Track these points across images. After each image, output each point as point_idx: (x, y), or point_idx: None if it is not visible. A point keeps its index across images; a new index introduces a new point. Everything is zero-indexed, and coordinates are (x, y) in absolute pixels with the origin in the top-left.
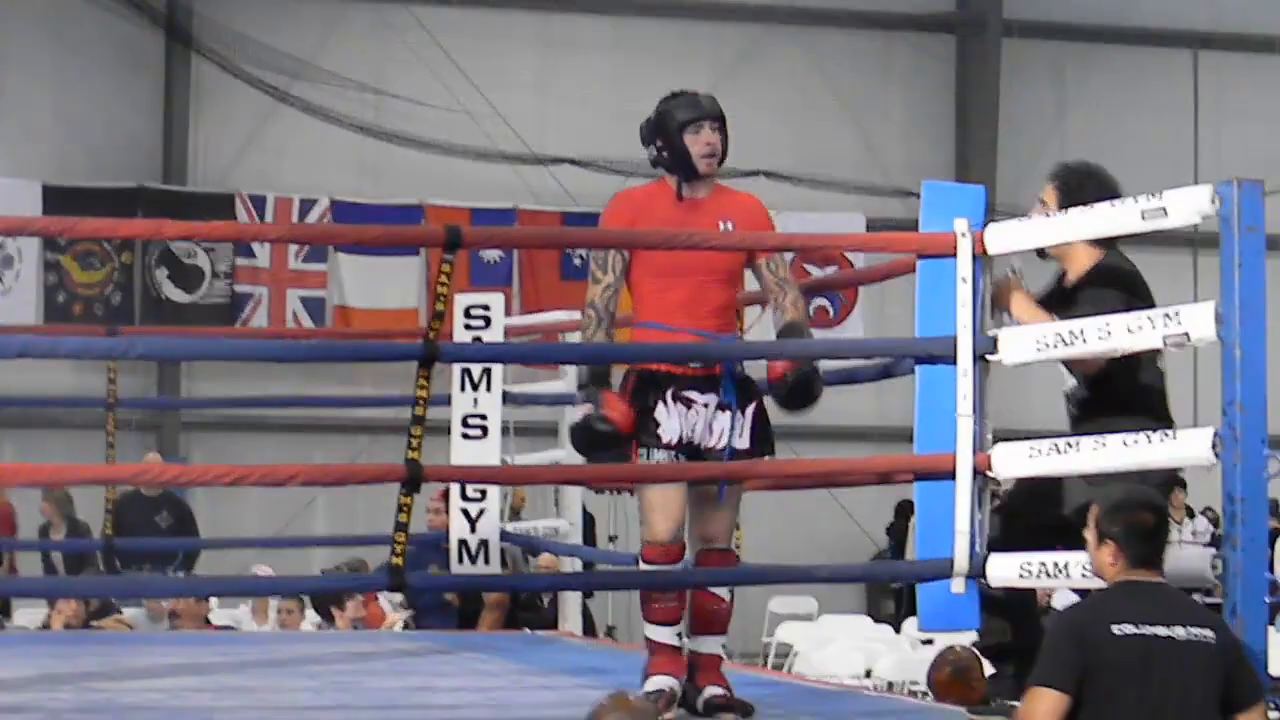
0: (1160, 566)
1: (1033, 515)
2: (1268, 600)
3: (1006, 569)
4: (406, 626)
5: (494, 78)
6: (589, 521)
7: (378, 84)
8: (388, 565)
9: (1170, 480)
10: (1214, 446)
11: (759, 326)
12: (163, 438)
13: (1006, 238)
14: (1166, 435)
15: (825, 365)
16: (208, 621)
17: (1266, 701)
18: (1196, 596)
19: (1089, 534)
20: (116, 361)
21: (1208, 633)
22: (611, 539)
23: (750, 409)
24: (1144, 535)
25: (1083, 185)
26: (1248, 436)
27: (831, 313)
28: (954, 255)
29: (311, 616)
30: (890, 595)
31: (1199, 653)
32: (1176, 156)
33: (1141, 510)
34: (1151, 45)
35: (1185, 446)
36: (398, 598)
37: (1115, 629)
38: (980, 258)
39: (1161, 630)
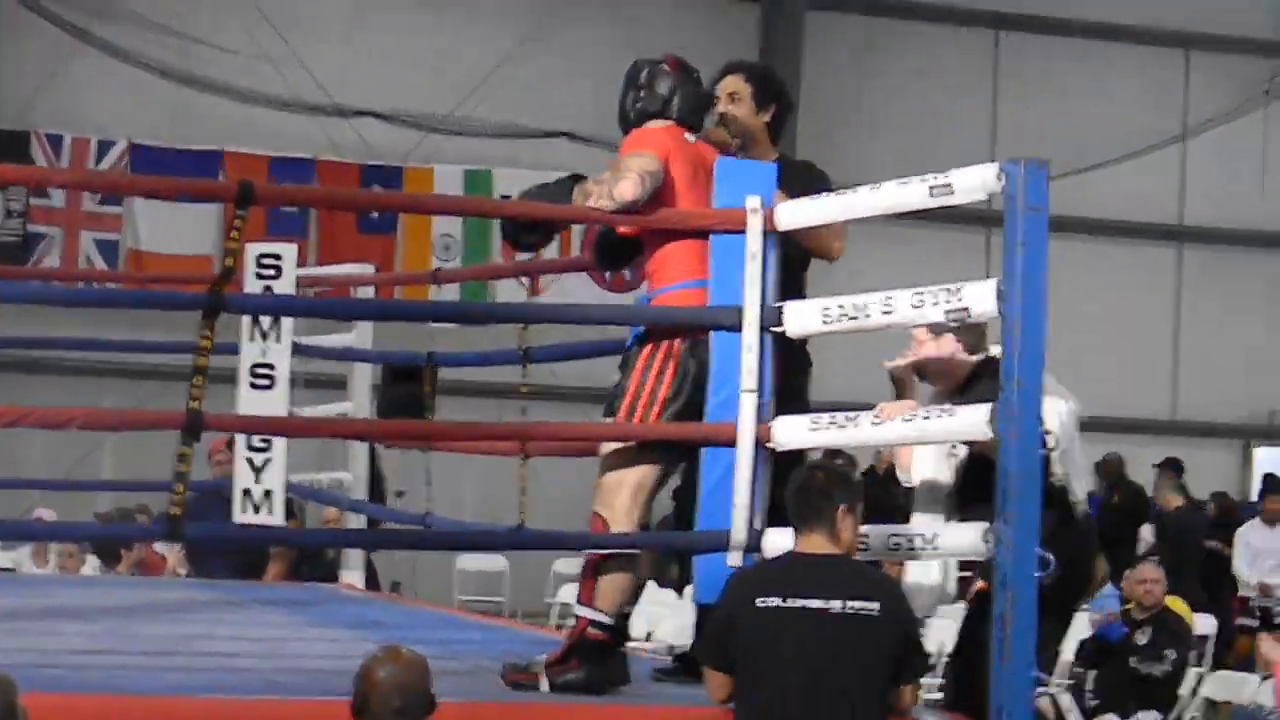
0: (830, 534)
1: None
2: (1037, 575)
3: (783, 542)
4: (188, 574)
5: (298, 26)
6: (377, 477)
7: (181, 27)
8: (165, 515)
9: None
10: (990, 421)
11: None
12: None
13: (796, 215)
14: (945, 411)
15: (615, 331)
16: None
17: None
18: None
19: None
20: None
21: (871, 605)
22: (399, 494)
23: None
24: (803, 494)
25: (773, 87)
26: (1024, 413)
27: (627, 277)
28: (744, 231)
29: (93, 561)
30: (675, 559)
31: (856, 624)
32: (975, 135)
33: (810, 471)
34: (954, 24)
35: (962, 422)
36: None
37: (759, 601)
38: (771, 234)
39: (815, 603)
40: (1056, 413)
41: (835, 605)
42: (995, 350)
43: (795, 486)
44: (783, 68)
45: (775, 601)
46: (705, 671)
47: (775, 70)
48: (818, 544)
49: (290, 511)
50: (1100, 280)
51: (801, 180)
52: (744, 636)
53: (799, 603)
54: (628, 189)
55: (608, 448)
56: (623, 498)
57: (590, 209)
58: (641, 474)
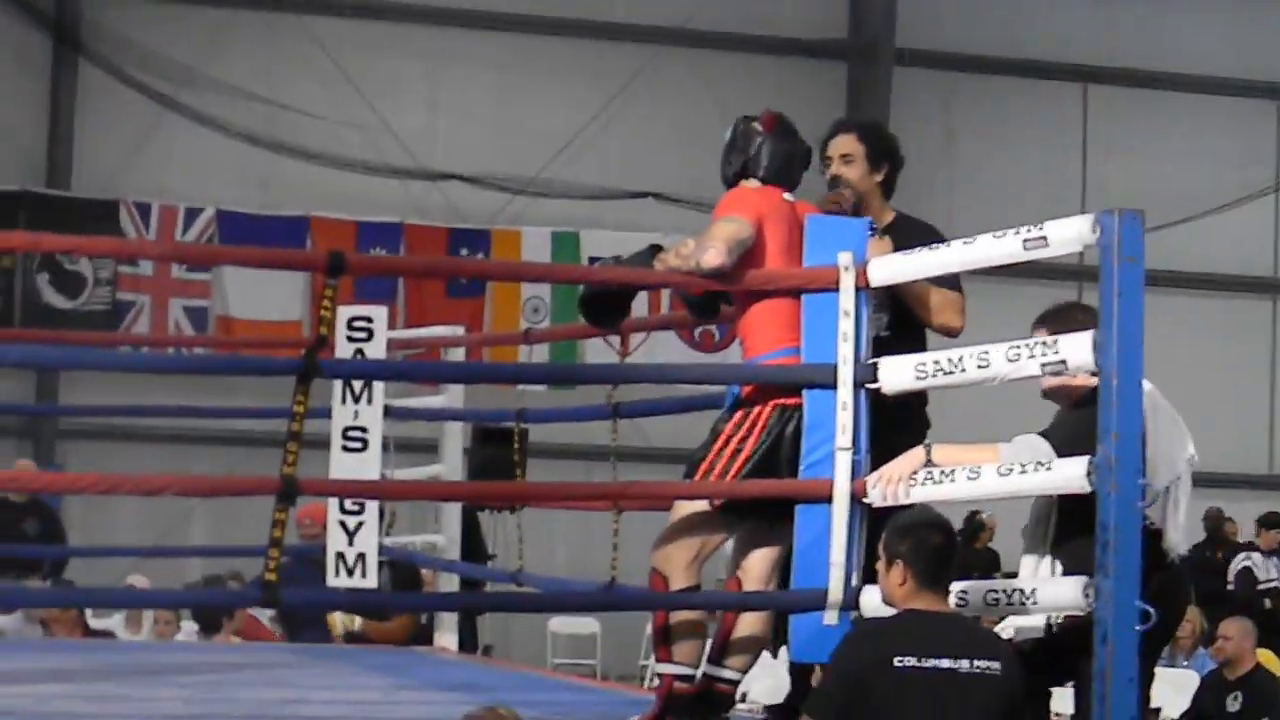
0: (948, 592)
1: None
2: (1138, 629)
3: (880, 600)
4: (280, 638)
5: (384, 91)
6: (475, 538)
7: (267, 94)
8: (260, 580)
9: None
10: (1089, 475)
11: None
12: (39, 446)
13: (889, 270)
14: (1041, 465)
15: (706, 389)
16: (86, 627)
17: None
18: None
19: (880, 562)
20: None
21: (994, 665)
22: (491, 556)
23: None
24: (931, 553)
25: (887, 145)
26: (1122, 465)
27: (717, 337)
28: (837, 289)
29: (189, 627)
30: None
31: (983, 685)
32: (1064, 189)
33: (929, 530)
34: (1041, 77)
35: (1060, 475)
36: (271, 613)
37: (896, 661)
38: (863, 290)
39: (945, 662)
40: (1187, 453)
41: (963, 665)
42: None
43: (927, 545)
44: None
45: (911, 661)
46: None
47: (884, 126)
48: (934, 601)
49: (402, 576)
50: (1194, 334)
51: (921, 241)
52: (877, 696)
53: (931, 663)
54: (713, 258)
55: (679, 506)
56: (683, 556)
57: (673, 275)
58: (704, 535)
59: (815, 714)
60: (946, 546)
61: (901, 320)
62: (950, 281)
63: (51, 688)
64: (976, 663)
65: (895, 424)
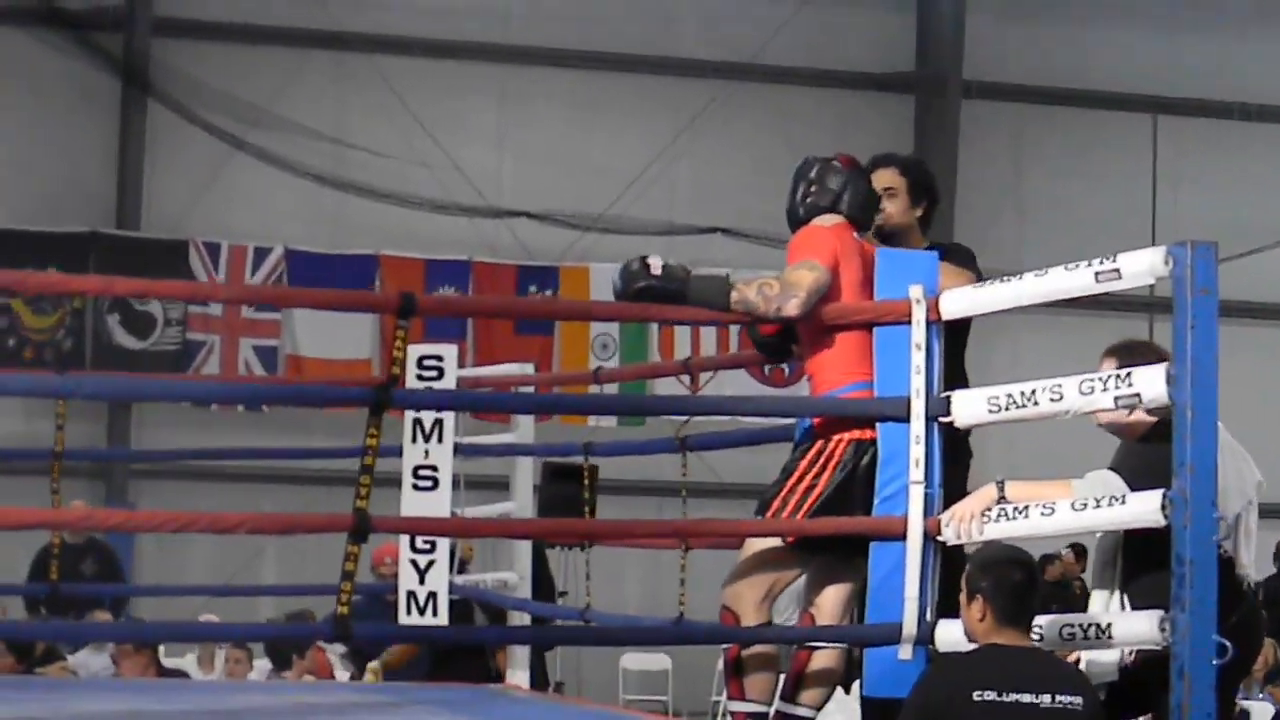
0: (1029, 627)
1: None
2: (1215, 663)
3: (955, 635)
4: (353, 678)
5: (451, 129)
6: (545, 577)
7: (335, 133)
8: (333, 615)
9: None
10: (1164, 508)
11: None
12: (111, 484)
13: (961, 303)
14: (1115, 499)
15: (774, 423)
16: (159, 666)
17: None
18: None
19: (962, 595)
20: (65, 406)
21: (1076, 700)
22: (562, 594)
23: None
24: (1012, 591)
25: (927, 181)
26: (1197, 498)
27: (787, 372)
28: (909, 322)
29: (261, 665)
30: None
31: (1063, 719)
32: (1134, 221)
33: (1010, 567)
34: (1110, 109)
35: (1134, 509)
36: (341, 649)
37: (976, 696)
38: (934, 324)
39: (1026, 698)
40: (1255, 479)
41: (1045, 700)
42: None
43: (1007, 583)
44: (938, 157)
45: (991, 696)
46: None
47: (926, 163)
48: (1015, 637)
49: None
50: (1267, 365)
51: (955, 260)
52: None
53: (1013, 697)
54: (794, 308)
55: (750, 542)
56: (754, 592)
57: (743, 315)
58: (776, 571)
59: None
60: (1028, 583)
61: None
62: (967, 262)
63: None
64: (1058, 698)
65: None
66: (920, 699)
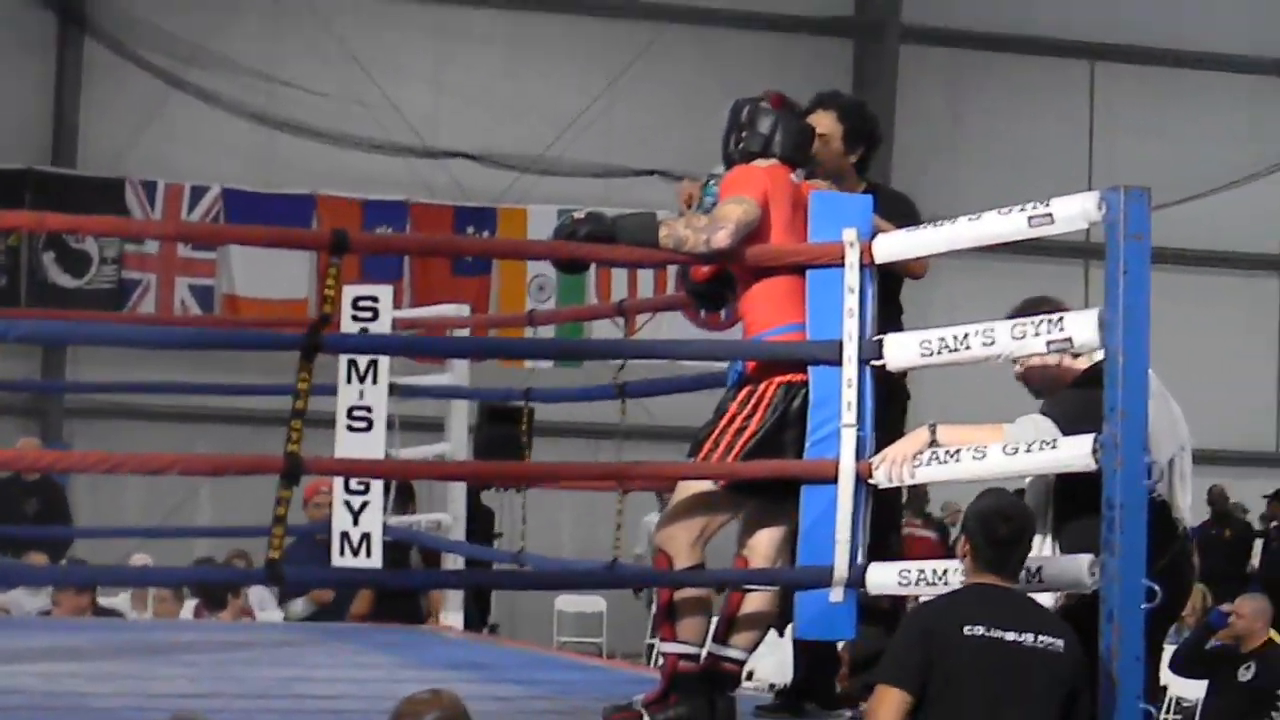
0: (1014, 575)
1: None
2: (1144, 607)
3: (886, 577)
4: (285, 618)
5: (388, 69)
6: (484, 514)
7: (272, 72)
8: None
9: None
10: (1094, 453)
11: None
12: (46, 424)
13: (894, 247)
14: (1047, 444)
15: (712, 367)
16: (94, 605)
17: None
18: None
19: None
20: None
21: (1058, 641)
22: (497, 536)
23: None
24: (994, 542)
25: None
26: (1128, 443)
27: (723, 316)
28: (842, 265)
29: (189, 604)
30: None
31: (1047, 660)
32: (1071, 167)
33: (998, 520)
34: (1048, 55)
35: (1066, 453)
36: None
37: (966, 629)
38: (868, 267)
39: (1011, 635)
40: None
41: (1028, 639)
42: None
43: (994, 535)
44: (876, 100)
45: (980, 631)
46: (881, 691)
47: (867, 106)
48: (993, 578)
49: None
50: (1201, 312)
51: (891, 208)
52: (950, 661)
53: (999, 634)
54: (723, 239)
55: (683, 485)
56: (687, 534)
57: (678, 253)
58: (709, 514)
59: (892, 680)
60: (1012, 537)
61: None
62: (906, 211)
63: (60, 666)
64: (1040, 638)
65: (880, 397)
66: (914, 628)
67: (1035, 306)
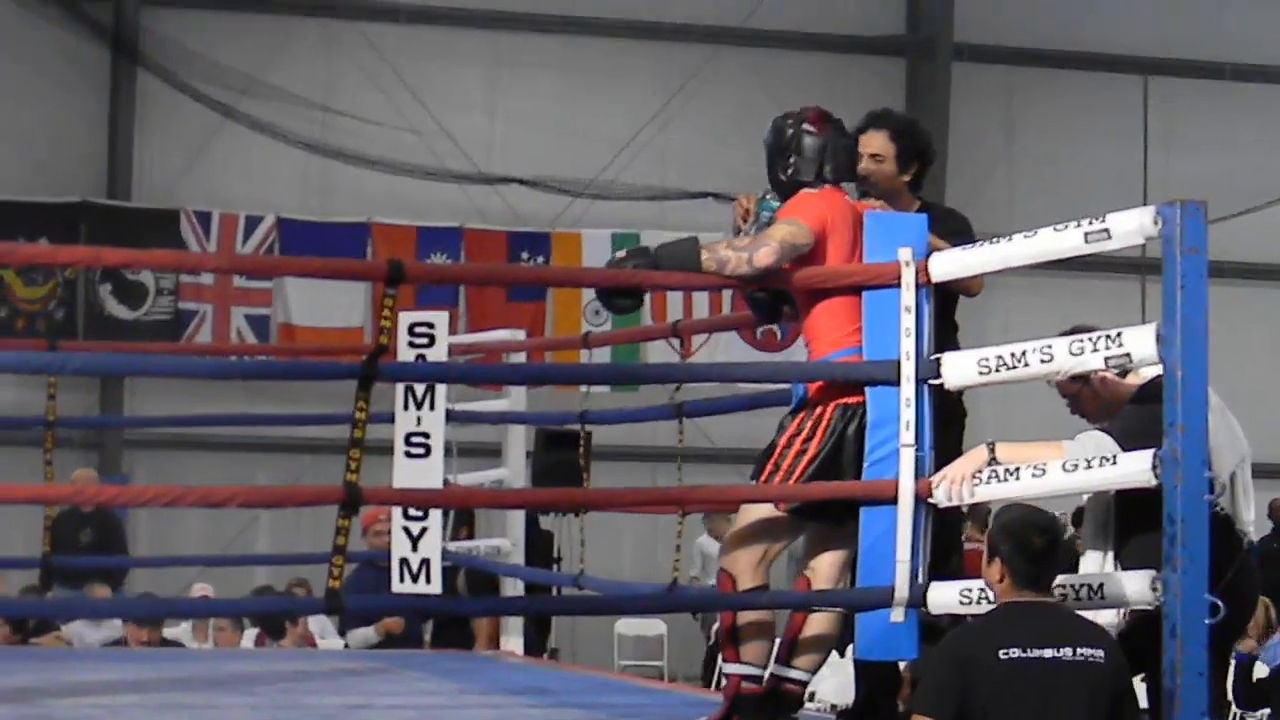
0: (1049, 588)
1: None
2: (1207, 622)
3: (947, 596)
4: (346, 646)
5: (442, 96)
6: (544, 537)
7: (325, 101)
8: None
9: None
10: (1154, 468)
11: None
12: (105, 455)
13: (950, 266)
14: (1107, 460)
15: (769, 388)
16: (159, 635)
17: None
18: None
19: (985, 551)
20: (57, 377)
21: (1098, 652)
22: (556, 561)
23: None
24: (1031, 557)
25: (918, 145)
26: (1188, 458)
27: (779, 336)
28: (898, 285)
29: (249, 633)
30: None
31: (1090, 673)
32: (1125, 182)
33: (1030, 531)
34: (1101, 70)
35: (1126, 469)
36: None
37: (1001, 654)
38: (924, 286)
39: (1049, 652)
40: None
41: (1067, 654)
42: (1151, 371)
43: (1028, 549)
44: (929, 118)
45: (1017, 653)
46: None
47: (919, 124)
48: (1030, 594)
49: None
50: (1257, 324)
51: (945, 226)
52: (986, 688)
53: (1037, 653)
54: (765, 256)
55: (746, 508)
56: (750, 557)
57: (722, 276)
58: (771, 536)
59: (928, 710)
60: (1047, 548)
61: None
62: (961, 229)
63: (124, 698)
64: (1080, 650)
65: (938, 417)
66: (948, 656)
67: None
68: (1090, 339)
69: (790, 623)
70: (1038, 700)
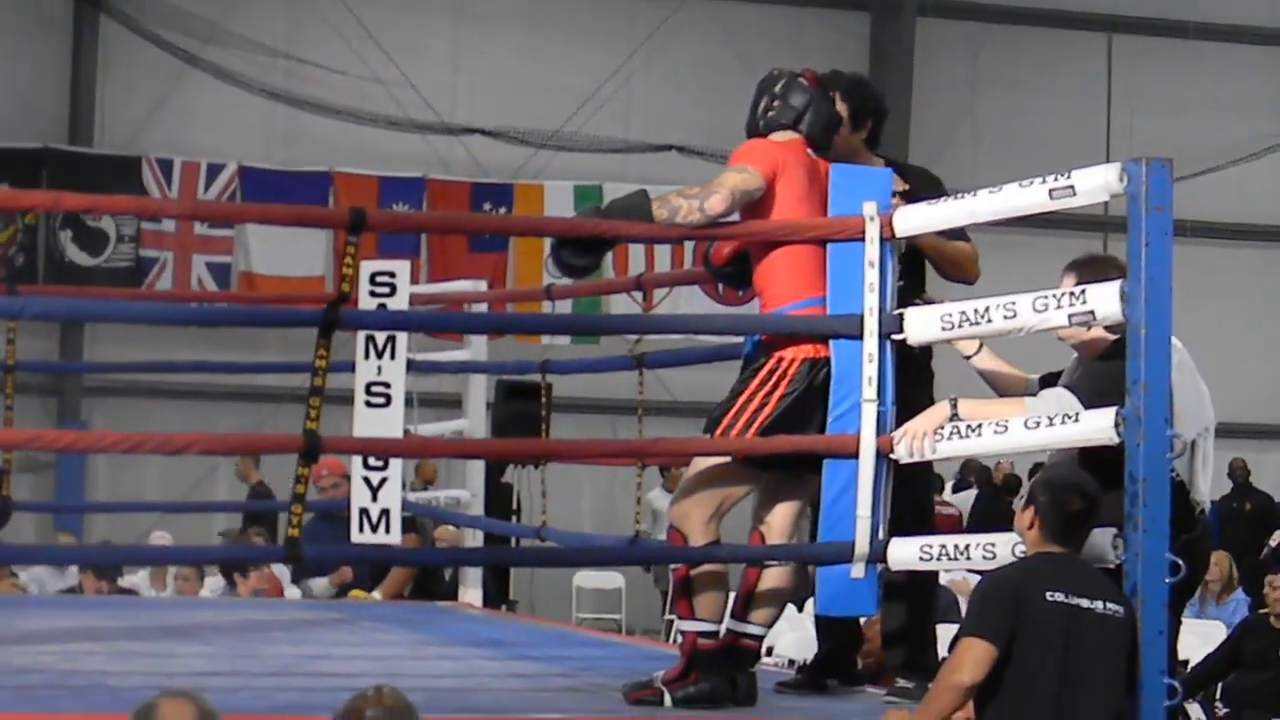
0: (1079, 548)
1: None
2: (1168, 581)
3: (907, 552)
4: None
5: (406, 46)
6: (506, 491)
7: (289, 50)
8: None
9: None
10: (1117, 426)
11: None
12: (63, 402)
13: (914, 220)
14: (1068, 417)
15: (730, 341)
16: (113, 583)
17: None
18: None
19: (1020, 498)
20: (16, 322)
21: (1120, 609)
22: (515, 512)
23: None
24: (1066, 517)
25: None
26: (1151, 416)
27: (741, 291)
28: (862, 239)
29: (211, 583)
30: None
31: (1114, 627)
32: (1089, 139)
33: (1071, 493)
34: (1066, 27)
35: (1087, 427)
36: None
37: (1048, 595)
38: (888, 241)
39: (1085, 602)
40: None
41: (1098, 606)
42: None
43: (1064, 508)
44: (893, 75)
45: (1060, 597)
46: (969, 643)
47: (868, 80)
48: (1059, 549)
49: (415, 528)
50: (1222, 284)
51: (916, 185)
52: (1035, 624)
53: (1075, 601)
54: (717, 203)
55: (697, 463)
56: (702, 513)
57: (676, 226)
58: (724, 489)
59: (982, 633)
60: (1083, 514)
61: (907, 269)
62: (961, 235)
63: (79, 645)
64: (1107, 605)
65: (904, 375)
66: (1003, 587)
67: (1094, 265)
68: (1054, 295)
69: (745, 577)
70: (1063, 646)
